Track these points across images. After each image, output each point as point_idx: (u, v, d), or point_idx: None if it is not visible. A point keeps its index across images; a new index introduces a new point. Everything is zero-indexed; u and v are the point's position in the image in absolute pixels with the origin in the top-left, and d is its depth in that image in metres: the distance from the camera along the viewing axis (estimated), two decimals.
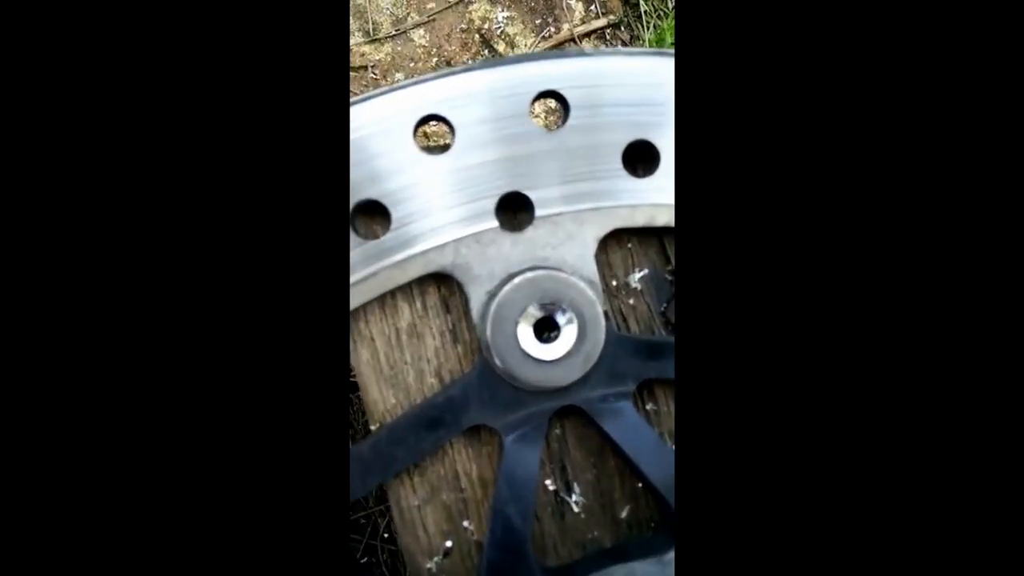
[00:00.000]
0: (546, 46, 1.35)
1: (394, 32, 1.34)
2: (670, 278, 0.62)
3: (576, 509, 0.61)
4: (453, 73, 0.54)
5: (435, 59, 1.33)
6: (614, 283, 0.62)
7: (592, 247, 0.56)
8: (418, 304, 0.60)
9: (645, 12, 1.35)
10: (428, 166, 0.54)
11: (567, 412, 0.59)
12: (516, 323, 0.54)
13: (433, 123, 0.55)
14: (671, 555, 0.55)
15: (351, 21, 1.34)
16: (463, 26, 1.34)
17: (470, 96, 0.54)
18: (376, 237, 0.55)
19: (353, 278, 0.55)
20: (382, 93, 0.54)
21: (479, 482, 0.60)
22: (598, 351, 0.55)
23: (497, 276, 0.56)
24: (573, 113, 0.55)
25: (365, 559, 1.03)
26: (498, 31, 1.35)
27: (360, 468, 0.56)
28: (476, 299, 0.56)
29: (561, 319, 0.55)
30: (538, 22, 1.36)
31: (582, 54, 0.56)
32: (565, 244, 0.56)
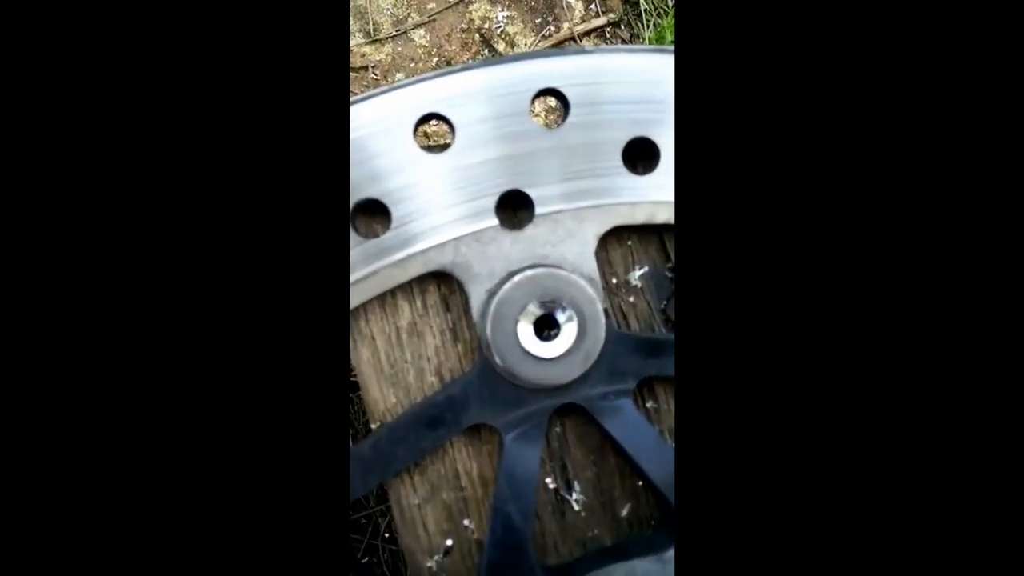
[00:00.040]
0: (546, 45, 1.35)
1: (394, 32, 1.34)
2: (670, 275, 0.62)
3: (576, 507, 0.61)
4: (453, 72, 0.54)
5: (435, 59, 1.33)
6: (614, 281, 0.61)
7: (592, 245, 0.56)
8: (418, 303, 0.60)
9: (645, 10, 1.35)
10: (428, 165, 0.54)
11: (567, 410, 0.59)
12: (516, 321, 0.54)
13: (433, 122, 0.55)
14: (671, 553, 0.55)
15: (352, 22, 1.34)
16: (463, 26, 1.34)
17: (470, 95, 0.54)
18: (376, 236, 0.55)
19: (353, 277, 0.55)
20: (382, 92, 0.54)
21: (479, 481, 0.60)
22: (598, 349, 0.55)
23: (497, 274, 0.56)
24: (573, 111, 0.55)
25: (366, 559, 1.03)
26: (498, 30, 1.35)
27: (360, 467, 0.56)
28: (476, 297, 0.56)
29: (561, 317, 0.55)
30: (538, 21, 1.36)
31: (582, 52, 0.56)
32: (565, 242, 0.56)
